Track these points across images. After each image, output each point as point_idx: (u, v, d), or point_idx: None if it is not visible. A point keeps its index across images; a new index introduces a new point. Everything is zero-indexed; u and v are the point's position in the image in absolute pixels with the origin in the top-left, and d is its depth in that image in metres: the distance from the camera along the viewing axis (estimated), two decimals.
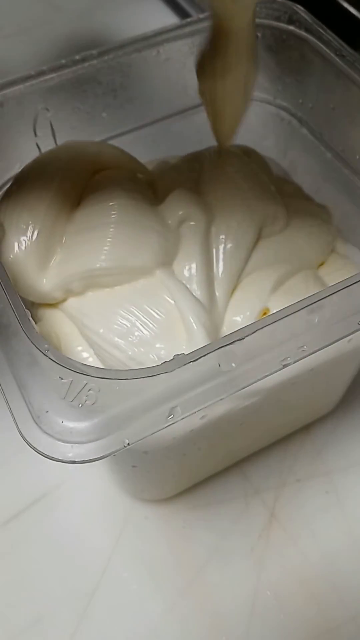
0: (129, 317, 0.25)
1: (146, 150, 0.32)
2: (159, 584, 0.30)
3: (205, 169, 0.30)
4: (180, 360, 0.18)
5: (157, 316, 0.25)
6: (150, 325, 0.25)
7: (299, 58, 0.31)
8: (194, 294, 0.25)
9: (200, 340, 0.24)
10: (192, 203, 0.27)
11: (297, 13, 0.30)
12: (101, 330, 0.25)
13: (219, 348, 0.19)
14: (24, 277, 0.25)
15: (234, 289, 0.27)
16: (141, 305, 0.25)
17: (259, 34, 0.31)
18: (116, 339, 0.24)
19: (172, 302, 0.25)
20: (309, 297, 0.20)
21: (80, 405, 0.18)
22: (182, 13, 0.55)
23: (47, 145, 0.30)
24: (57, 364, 0.18)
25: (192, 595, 0.29)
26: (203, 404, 0.18)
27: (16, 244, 0.25)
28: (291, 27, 0.30)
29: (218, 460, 0.32)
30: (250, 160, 0.31)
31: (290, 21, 0.30)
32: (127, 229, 0.26)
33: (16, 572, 0.30)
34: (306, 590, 0.29)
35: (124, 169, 0.29)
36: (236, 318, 0.26)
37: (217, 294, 0.26)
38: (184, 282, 0.26)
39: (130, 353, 0.24)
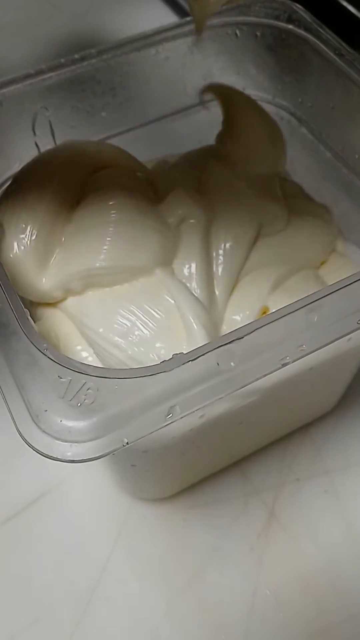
0: (129, 316, 0.25)
1: (146, 149, 0.32)
2: (158, 583, 0.30)
3: (205, 168, 0.30)
4: (179, 360, 0.18)
5: (157, 315, 0.25)
6: (150, 324, 0.25)
7: (298, 57, 0.31)
8: (194, 292, 0.25)
9: (200, 339, 0.24)
10: (192, 202, 0.27)
11: (297, 12, 0.30)
12: (101, 330, 0.25)
13: (218, 347, 0.19)
14: (23, 276, 0.25)
15: (233, 288, 0.27)
16: (141, 305, 0.25)
17: (258, 33, 0.31)
18: (116, 338, 0.24)
19: (172, 301, 0.25)
20: (308, 296, 0.20)
21: (79, 405, 0.18)
22: (181, 12, 0.55)
23: (46, 144, 0.30)
24: (55, 363, 0.18)
25: (192, 594, 0.29)
26: (202, 403, 0.18)
27: (15, 243, 0.25)
28: (290, 26, 0.30)
29: (217, 460, 0.32)
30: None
31: (290, 20, 0.30)
32: (127, 228, 0.26)
33: (15, 571, 0.30)
34: (305, 589, 0.29)
35: (124, 167, 0.29)
36: (236, 317, 0.26)
37: (216, 292, 0.26)
38: (183, 281, 0.26)
39: (130, 352, 0.24)
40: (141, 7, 0.56)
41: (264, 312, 0.26)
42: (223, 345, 0.19)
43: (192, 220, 0.27)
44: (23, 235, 0.25)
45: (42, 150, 0.30)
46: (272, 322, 0.19)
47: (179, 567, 0.30)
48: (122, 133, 0.32)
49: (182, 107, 0.33)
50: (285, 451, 0.34)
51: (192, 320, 0.24)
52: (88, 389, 0.18)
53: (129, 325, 0.25)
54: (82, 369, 0.18)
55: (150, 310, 0.25)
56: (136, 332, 0.24)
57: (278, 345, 0.19)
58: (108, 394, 0.18)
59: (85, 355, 0.25)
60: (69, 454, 0.17)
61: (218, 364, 0.18)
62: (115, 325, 0.25)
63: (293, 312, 0.20)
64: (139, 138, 0.32)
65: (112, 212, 0.26)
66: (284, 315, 0.19)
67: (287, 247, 0.28)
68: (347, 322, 0.20)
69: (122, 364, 0.24)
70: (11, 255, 0.25)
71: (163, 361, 0.18)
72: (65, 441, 0.17)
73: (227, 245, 0.27)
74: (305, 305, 0.20)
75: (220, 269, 0.27)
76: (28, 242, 0.25)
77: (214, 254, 0.27)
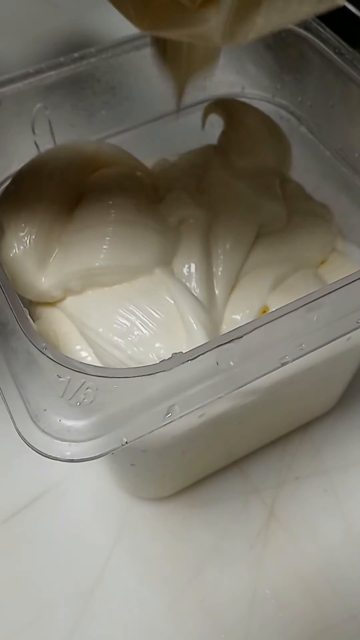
0: (129, 316, 0.25)
1: (145, 148, 0.32)
2: (157, 582, 0.30)
3: (205, 167, 0.30)
4: (178, 359, 0.18)
5: (157, 315, 0.25)
6: (150, 324, 0.25)
7: (298, 56, 0.31)
8: (194, 292, 0.25)
9: (199, 339, 0.24)
10: (192, 201, 0.27)
11: None
12: (101, 330, 0.25)
13: (217, 346, 0.19)
14: (23, 276, 0.25)
15: (233, 287, 0.27)
16: (141, 305, 0.25)
17: None
18: (116, 338, 0.24)
19: (172, 301, 0.25)
20: (307, 295, 0.20)
21: (78, 404, 0.18)
22: None
23: (46, 143, 0.30)
24: (55, 363, 0.18)
25: (191, 593, 0.29)
26: (201, 402, 0.18)
27: (15, 242, 0.25)
28: (290, 25, 0.30)
29: (217, 459, 0.32)
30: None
31: None
32: (126, 228, 0.26)
33: (15, 570, 0.30)
34: (305, 588, 0.29)
35: (123, 167, 0.29)
36: (236, 316, 0.26)
37: (216, 292, 0.26)
38: (183, 280, 0.26)
39: (129, 352, 0.24)
40: None
41: (264, 312, 0.26)
42: (222, 344, 0.19)
43: (191, 220, 0.27)
44: (22, 235, 0.25)
45: (42, 149, 0.30)
46: (271, 321, 0.19)
47: (178, 566, 0.30)
48: (122, 132, 0.32)
49: (182, 105, 0.33)
50: (285, 450, 0.34)
51: (192, 320, 0.24)
52: (87, 389, 0.18)
53: (128, 325, 0.25)
54: (81, 368, 0.18)
55: (150, 310, 0.25)
56: (136, 332, 0.24)
57: (277, 344, 0.19)
58: (107, 394, 0.18)
59: (85, 355, 0.25)
60: (68, 453, 0.17)
61: (217, 363, 0.18)
62: (115, 325, 0.25)
63: (292, 311, 0.20)
64: (139, 137, 0.32)
65: (112, 211, 0.26)
66: (284, 315, 0.19)
67: (287, 247, 0.28)
68: (347, 321, 0.20)
69: (121, 364, 0.24)
70: (11, 255, 0.25)
71: (162, 360, 0.18)
72: (65, 440, 0.17)
73: (227, 244, 0.27)
74: (304, 305, 0.20)
75: (220, 269, 0.27)
76: (27, 241, 0.25)
77: (214, 254, 0.27)
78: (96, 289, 0.26)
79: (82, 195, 0.28)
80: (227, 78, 0.33)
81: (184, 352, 0.19)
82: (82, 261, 0.25)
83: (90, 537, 0.31)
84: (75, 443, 0.17)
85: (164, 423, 0.18)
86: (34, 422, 0.17)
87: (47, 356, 0.18)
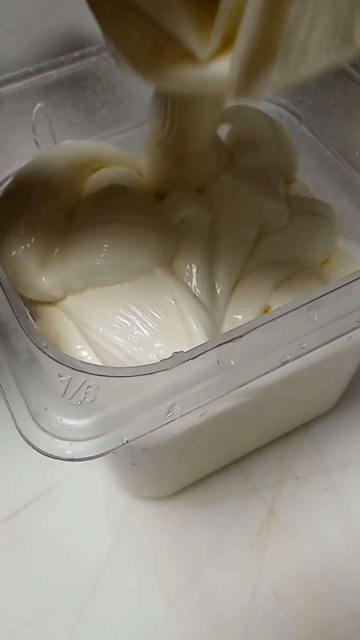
0: (129, 316, 0.25)
1: None
2: (158, 581, 0.30)
3: (207, 166, 0.30)
4: (179, 358, 0.18)
5: (157, 315, 0.25)
6: (150, 324, 0.25)
7: None
8: (195, 292, 0.25)
9: (200, 339, 0.24)
10: (193, 201, 0.27)
11: None
12: (101, 329, 0.25)
13: (218, 345, 0.19)
14: (23, 275, 0.25)
15: (235, 287, 0.27)
16: (141, 305, 0.25)
17: None
18: (116, 337, 0.24)
19: (172, 301, 0.25)
20: (308, 294, 0.20)
21: (79, 403, 0.18)
22: None
23: (46, 142, 0.30)
24: (55, 362, 0.18)
25: (192, 592, 0.29)
26: (202, 401, 0.18)
27: (15, 242, 0.25)
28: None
29: (217, 458, 0.32)
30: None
31: None
32: (127, 227, 0.26)
33: (16, 569, 0.30)
34: (305, 587, 0.30)
35: (124, 166, 0.29)
36: (237, 316, 0.26)
37: (217, 292, 0.26)
38: (184, 280, 0.26)
39: (129, 352, 0.24)
40: None
41: (266, 312, 0.26)
42: (223, 343, 0.19)
43: (193, 220, 0.27)
44: (23, 234, 0.25)
45: (42, 148, 0.30)
46: (272, 320, 0.19)
47: (178, 565, 0.30)
48: (122, 131, 0.32)
49: None
50: (285, 450, 0.34)
51: (193, 322, 0.24)
52: (88, 388, 0.18)
53: (128, 324, 0.25)
54: (82, 368, 0.18)
55: (151, 310, 0.25)
56: (136, 332, 0.24)
57: (278, 343, 0.19)
58: (108, 393, 0.18)
59: (85, 354, 0.25)
60: (69, 452, 0.17)
61: (218, 363, 0.18)
62: (115, 325, 0.25)
63: (293, 310, 0.20)
64: (140, 136, 0.32)
65: (112, 211, 0.26)
66: (284, 314, 0.19)
67: (289, 246, 0.28)
68: (348, 321, 0.20)
69: (121, 364, 0.24)
70: (11, 254, 0.25)
71: (163, 359, 0.18)
72: (65, 439, 0.17)
73: (229, 244, 0.27)
74: (305, 304, 0.20)
75: (221, 269, 0.26)
76: (28, 241, 0.25)
77: (215, 253, 0.27)
78: (97, 288, 0.26)
79: (83, 194, 0.28)
80: None
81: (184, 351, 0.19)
82: (82, 261, 0.25)
83: (91, 536, 0.31)
84: (76, 442, 0.17)
85: (165, 422, 0.18)
86: (35, 421, 0.17)
87: (48, 355, 0.18)
